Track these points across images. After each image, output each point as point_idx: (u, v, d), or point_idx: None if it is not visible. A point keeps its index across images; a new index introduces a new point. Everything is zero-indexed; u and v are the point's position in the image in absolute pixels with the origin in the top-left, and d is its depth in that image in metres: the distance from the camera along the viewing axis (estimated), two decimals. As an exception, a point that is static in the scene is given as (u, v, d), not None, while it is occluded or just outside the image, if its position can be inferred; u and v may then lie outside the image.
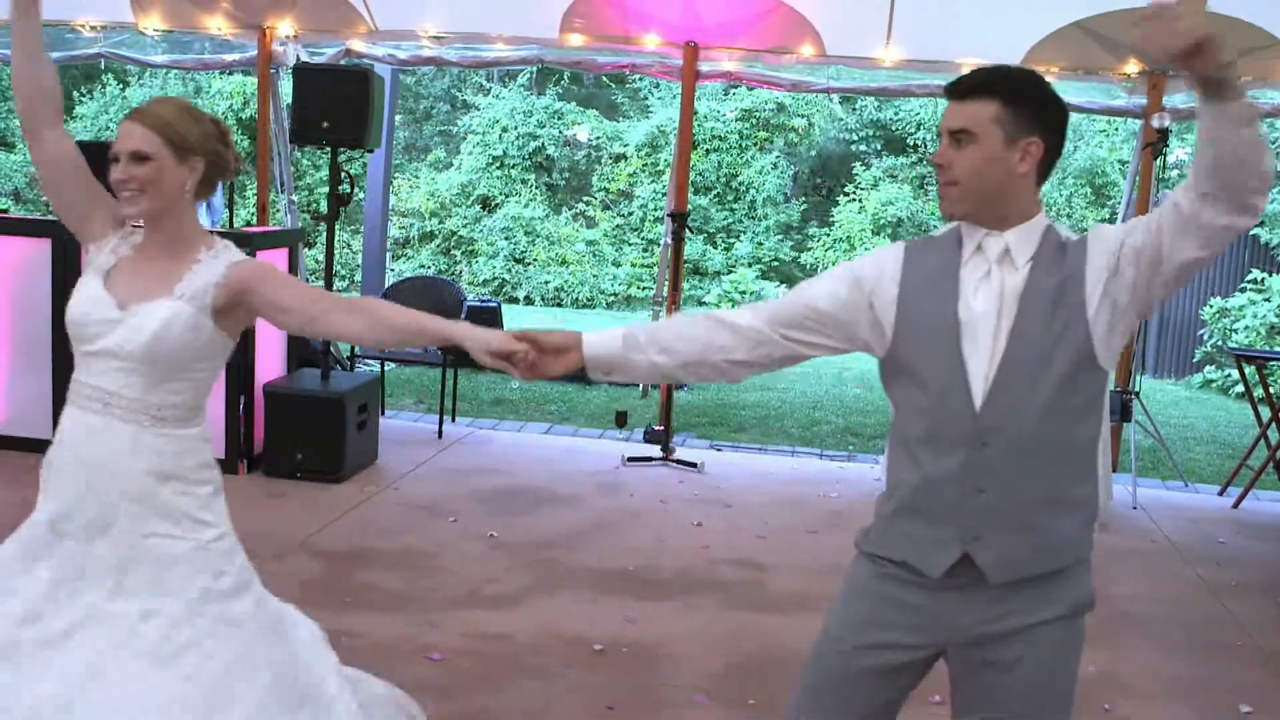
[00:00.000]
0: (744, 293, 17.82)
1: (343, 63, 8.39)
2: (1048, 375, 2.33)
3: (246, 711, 2.72)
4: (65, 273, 6.95)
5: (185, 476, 2.78)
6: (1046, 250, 2.39)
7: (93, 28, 8.98)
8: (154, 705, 2.62)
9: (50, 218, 7.79)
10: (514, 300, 18.66)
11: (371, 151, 7.69)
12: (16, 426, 7.01)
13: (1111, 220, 14.44)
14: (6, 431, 7.03)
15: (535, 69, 18.68)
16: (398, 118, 17.73)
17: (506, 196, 20.16)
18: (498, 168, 20.41)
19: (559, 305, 18.88)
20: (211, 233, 2.90)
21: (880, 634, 2.52)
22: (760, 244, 19.68)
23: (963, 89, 2.40)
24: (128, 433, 2.70)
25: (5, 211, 9.81)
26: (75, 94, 21.62)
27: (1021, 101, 2.38)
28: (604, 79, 20.12)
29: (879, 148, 20.56)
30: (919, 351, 2.45)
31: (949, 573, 2.41)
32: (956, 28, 7.72)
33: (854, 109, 20.49)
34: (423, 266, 19.19)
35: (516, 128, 20.48)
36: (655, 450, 7.71)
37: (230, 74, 18.87)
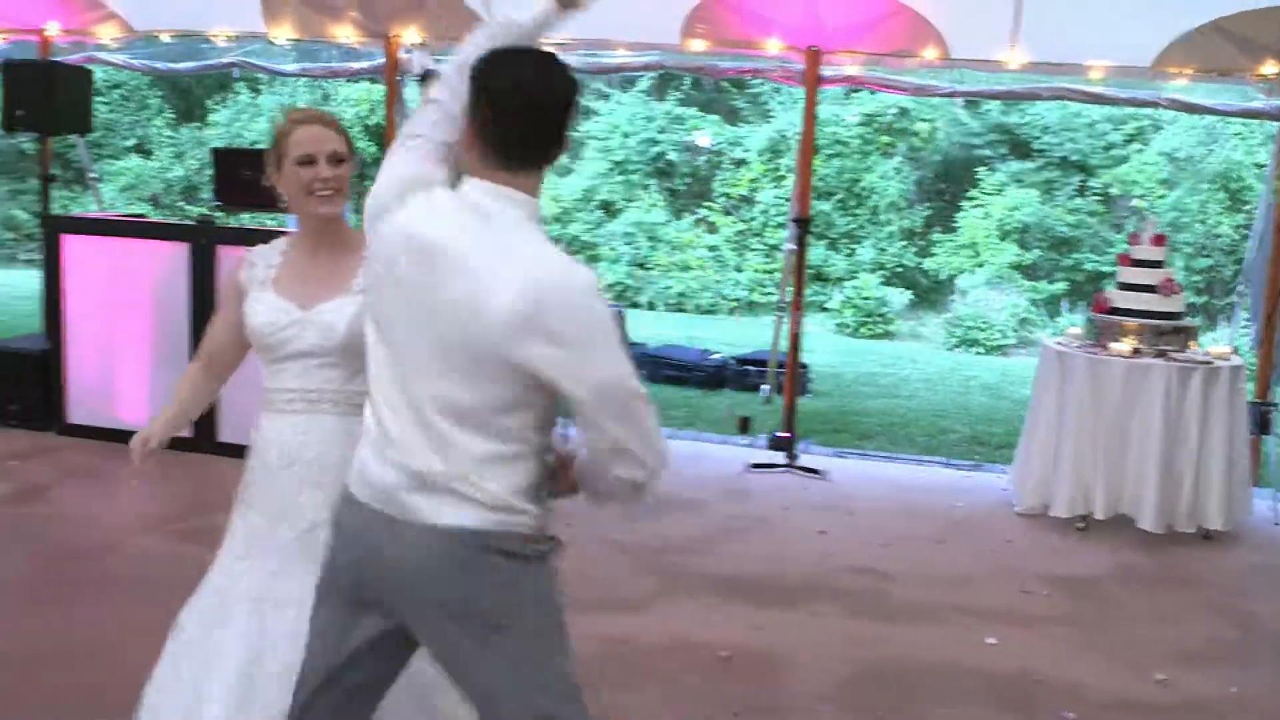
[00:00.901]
0: (867, 298, 17.66)
1: (468, 70, 8.49)
2: None
3: None
4: (203, 276, 7.17)
5: None
6: None
7: (227, 38, 9.24)
8: None
9: (189, 222, 8.04)
10: (636, 306, 18.71)
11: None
12: (156, 426, 7.23)
13: (1247, 226, 14.03)
14: (148, 431, 7.26)
15: (656, 74, 18.73)
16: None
17: (628, 202, 20.24)
18: (619, 173, 20.51)
19: (681, 311, 18.89)
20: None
21: None
22: (883, 249, 19.48)
23: None
24: (336, 424, 2.82)
25: (144, 217, 10.13)
26: (208, 102, 22.25)
27: None
28: (725, 84, 20.08)
29: (1004, 152, 20.20)
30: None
31: None
32: (1086, 29, 7.56)
33: (978, 112, 20.17)
34: (545, 272, 19.35)
35: (638, 133, 20.55)
36: (779, 457, 7.68)
37: (356, 81, 19.25)
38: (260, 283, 2.92)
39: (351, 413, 2.81)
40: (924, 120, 19.97)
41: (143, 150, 21.89)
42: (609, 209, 20.32)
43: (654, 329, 14.59)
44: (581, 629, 4.77)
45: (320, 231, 2.94)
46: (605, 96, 21.24)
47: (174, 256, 7.22)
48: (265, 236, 7.72)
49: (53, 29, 9.31)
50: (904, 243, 19.82)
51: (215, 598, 2.93)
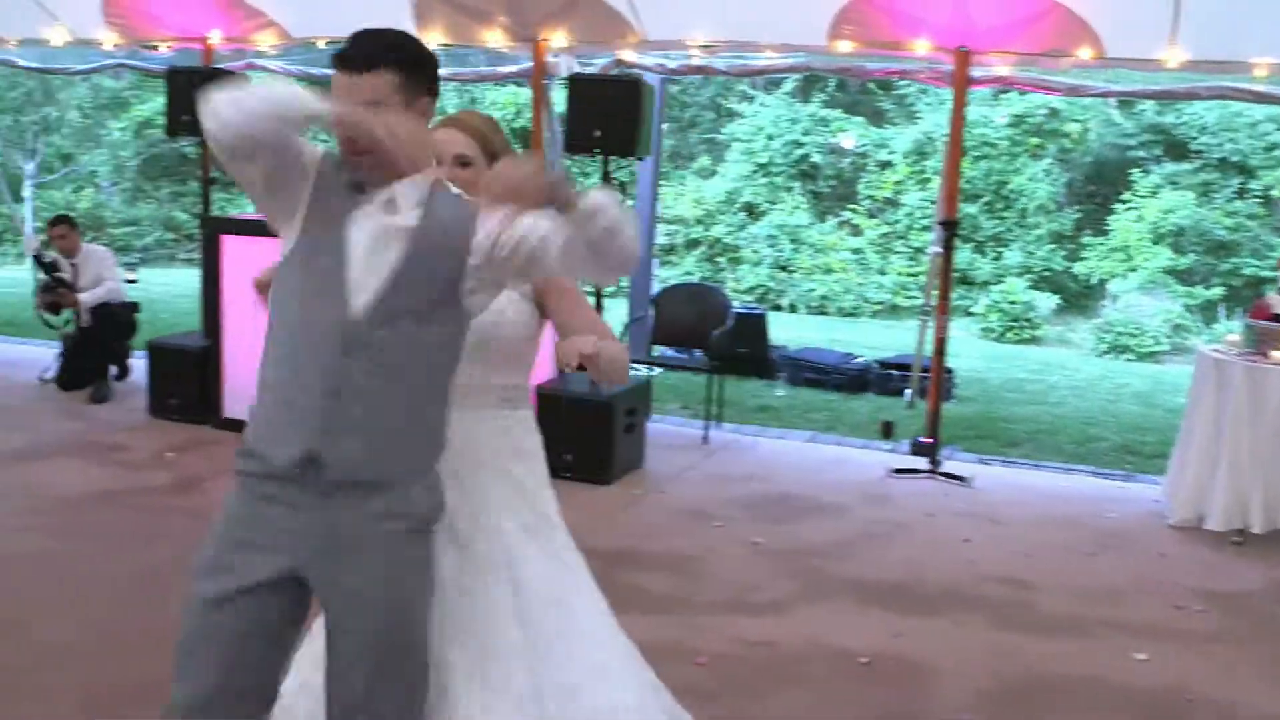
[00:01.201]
0: (1014, 302, 17.33)
1: (613, 73, 8.57)
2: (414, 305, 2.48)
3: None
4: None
5: (533, 455, 2.98)
6: (434, 199, 2.54)
7: (380, 44, 9.44)
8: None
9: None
10: (778, 308, 18.64)
11: (641, 159, 7.82)
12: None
13: None
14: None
15: (801, 76, 18.63)
16: (664, 126, 17.99)
17: (771, 204, 20.18)
18: (763, 175, 20.46)
19: (823, 314, 18.77)
20: None
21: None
22: (1031, 253, 19.08)
23: (360, 63, 2.52)
24: (479, 418, 2.86)
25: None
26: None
27: (417, 68, 2.55)
28: (870, 85, 19.88)
29: (1159, 153, 19.63)
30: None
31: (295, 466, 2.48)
32: (1249, 25, 7.30)
33: (1132, 112, 19.63)
34: (688, 273, 19.39)
35: (781, 135, 20.48)
36: (922, 462, 7.58)
37: (503, 85, 19.53)
38: None
39: (496, 406, 2.89)
40: (1075, 121, 19.51)
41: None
42: (752, 211, 20.28)
43: (796, 332, 14.52)
44: (722, 630, 4.81)
45: None
46: (749, 99, 21.19)
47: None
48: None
49: (215, 37, 9.63)
50: (1053, 246, 19.39)
51: None
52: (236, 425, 7.74)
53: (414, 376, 2.52)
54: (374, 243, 2.49)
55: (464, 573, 2.83)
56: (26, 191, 22.04)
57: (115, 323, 9.04)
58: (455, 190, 2.72)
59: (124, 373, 9.17)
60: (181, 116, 8.40)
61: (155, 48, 10.22)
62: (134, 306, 9.26)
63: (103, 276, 9.04)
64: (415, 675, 2.60)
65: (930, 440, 7.71)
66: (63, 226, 9.11)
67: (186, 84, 8.43)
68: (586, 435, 6.94)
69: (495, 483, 2.89)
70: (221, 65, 9.45)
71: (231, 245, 7.75)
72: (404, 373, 2.50)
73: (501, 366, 2.89)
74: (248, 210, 18.81)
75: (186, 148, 21.01)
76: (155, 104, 21.60)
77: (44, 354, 9.83)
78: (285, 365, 2.55)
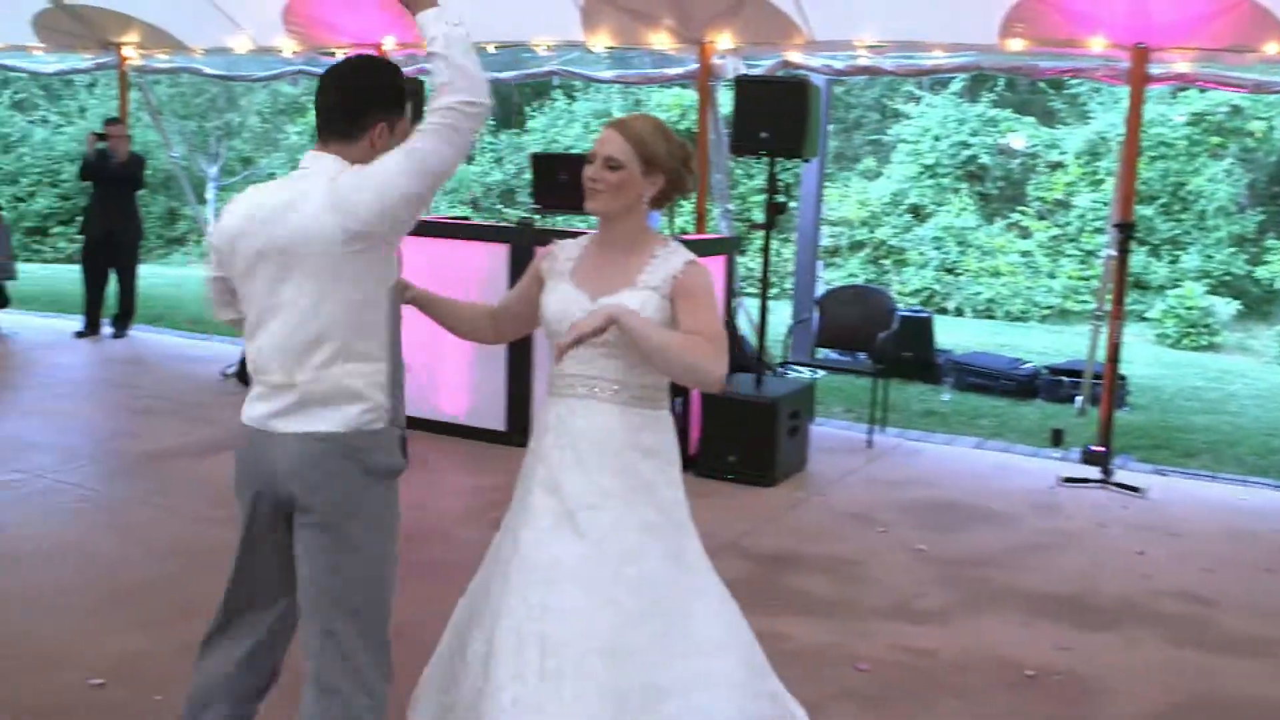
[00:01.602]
0: (1191, 308, 16.74)
1: (779, 74, 8.54)
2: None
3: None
4: (521, 276, 7.46)
5: (662, 454, 3.02)
6: None
7: (547, 47, 9.60)
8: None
9: (508, 224, 8.38)
10: (944, 311, 18.34)
11: (808, 161, 7.77)
12: (476, 418, 7.60)
13: None
14: (468, 422, 7.64)
15: (969, 75, 18.30)
16: (829, 127, 17.87)
17: (938, 205, 19.87)
18: (929, 176, 20.15)
19: (990, 317, 18.40)
20: (664, 235, 3.12)
21: None
22: (1210, 257, 18.40)
23: None
24: (610, 411, 2.95)
25: (467, 219, 10.61)
26: (526, 109, 23.13)
27: None
28: (1041, 84, 19.43)
29: (1350, 152, 18.76)
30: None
31: None
32: None
33: (1324, 109, 18.79)
34: (852, 275, 19.21)
35: (949, 135, 20.14)
36: (1093, 472, 7.37)
37: (668, 87, 19.60)
38: (559, 274, 3.08)
39: (630, 403, 2.95)
40: (1259, 119, 18.74)
41: (465, 156, 22.96)
42: (918, 213, 19.99)
43: (962, 336, 14.27)
44: (883, 637, 4.76)
45: (607, 228, 3.07)
46: (916, 99, 20.90)
47: (494, 257, 7.54)
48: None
49: (388, 43, 9.89)
50: (1233, 249, 18.66)
51: (488, 569, 3.12)
52: (409, 423, 7.96)
53: None
54: None
55: (582, 562, 2.89)
56: (209, 194, 22.94)
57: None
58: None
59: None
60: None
61: (332, 54, 10.54)
62: None
63: None
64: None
65: (1102, 449, 7.49)
66: None
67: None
68: (750, 437, 6.94)
69: (620, 478, 2.95)
70: (395, 70, 9.68)
71: (404, 246, 7.92)
72: None
73: (638, 365, 2.93)
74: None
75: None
76: (331, 108, 22.26)
77: (227, 350, 10.23)
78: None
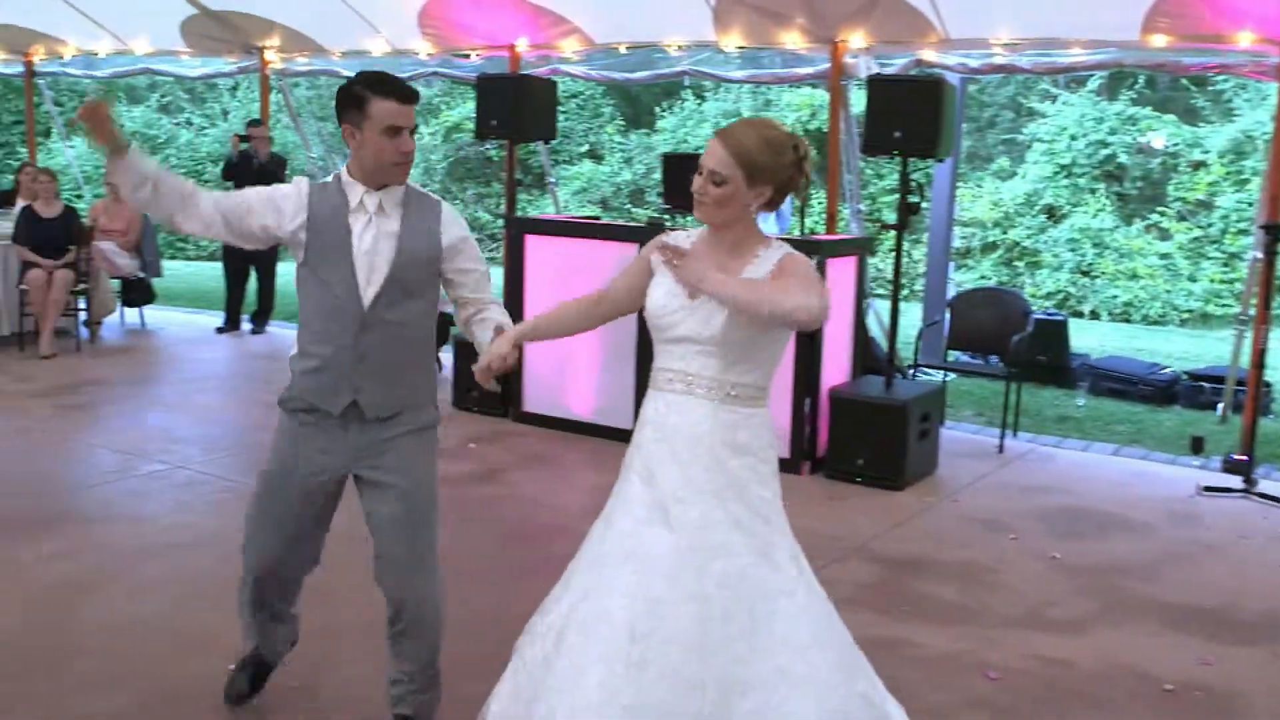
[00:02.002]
0: (1341, 312, 16.13)
1: (913, 73, 8.44)
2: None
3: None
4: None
5: (755, 453, 3.03)
6: (411, 201, 3.48)
7: (678, 47, 9.61)
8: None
9: (635, 223, 8.41)
10: (1079, 315, 17.91)
11: (941, 161, 7.67)
12: (603, 416, 7.65)
13: None
14: (596, 421, 7.69)
15: (1107, 73, 17.86)
16: (962, 126, 17.59)
17: (1073, 206, 19.40)
18: (1064, 176, 19.69)
19: (1127, 321, 17.93)
20: (768, 237, 3.13)
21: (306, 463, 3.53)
22: (1362, 259, 17.70)
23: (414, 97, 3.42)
24: (705, 408, 2.99)
25: (596, 219, 10.68)
26: (656, 109, 23.18)
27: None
28: (1183, 81, 18.87)
29: None
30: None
31: (343, 412, 3.46)
32: None
33: None
34: (984, 277, 18.88)
35: (1086, 135, 19.66)
36: (1236, 481, 7.14)
37: (798, 87, 19.49)
38: (667, 268, 3.08)
39: (725, 401, 2.99)
40: None
41: (595, 156, 23.07)
42: (1053, 214, 19.55)
43: (1098, 339, 13.94)
44: (1015, 646, 4.67)
45: (715, 230, 3.10)
46: (1052, 97, 20.46)
47: (624, 257, 7.56)
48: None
49: (522, 44, 10.00)
50: (1388, 252, 17.92)
51: (586, 559, 3.14)
52: (536, 419, 8.08)
53: (414, 336, 3.51)
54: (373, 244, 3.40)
55: (671, 553, 2.93)
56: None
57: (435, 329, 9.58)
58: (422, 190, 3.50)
59: None
60: (490, 121, 8.74)
61: (467, 56, 10.69)
62: (449, 319, 9.74)
63: None
64: (438, 533, 3.59)
65: (1245, 458, 7.25)
66: None
67: (496, 90, 8.77)
68: (879, 440, 6.87)
69: (711, 473, 2.97)
70: (527, 71, 9.79)
71: (534, 244, 8.02)
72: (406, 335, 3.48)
73: (736, 364, 2.98)
74: (547, 211, 19.44)
75: (491, 151, 21.94)
76: (463, 110, 22.56)
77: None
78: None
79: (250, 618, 3.87)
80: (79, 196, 16.27)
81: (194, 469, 6.83)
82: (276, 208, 3.44)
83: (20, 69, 13.88)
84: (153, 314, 12.36)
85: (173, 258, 20.20)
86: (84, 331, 11.06)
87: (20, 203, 11.24)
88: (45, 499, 6.30)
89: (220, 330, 11.81)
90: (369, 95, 3.30)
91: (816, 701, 2.91)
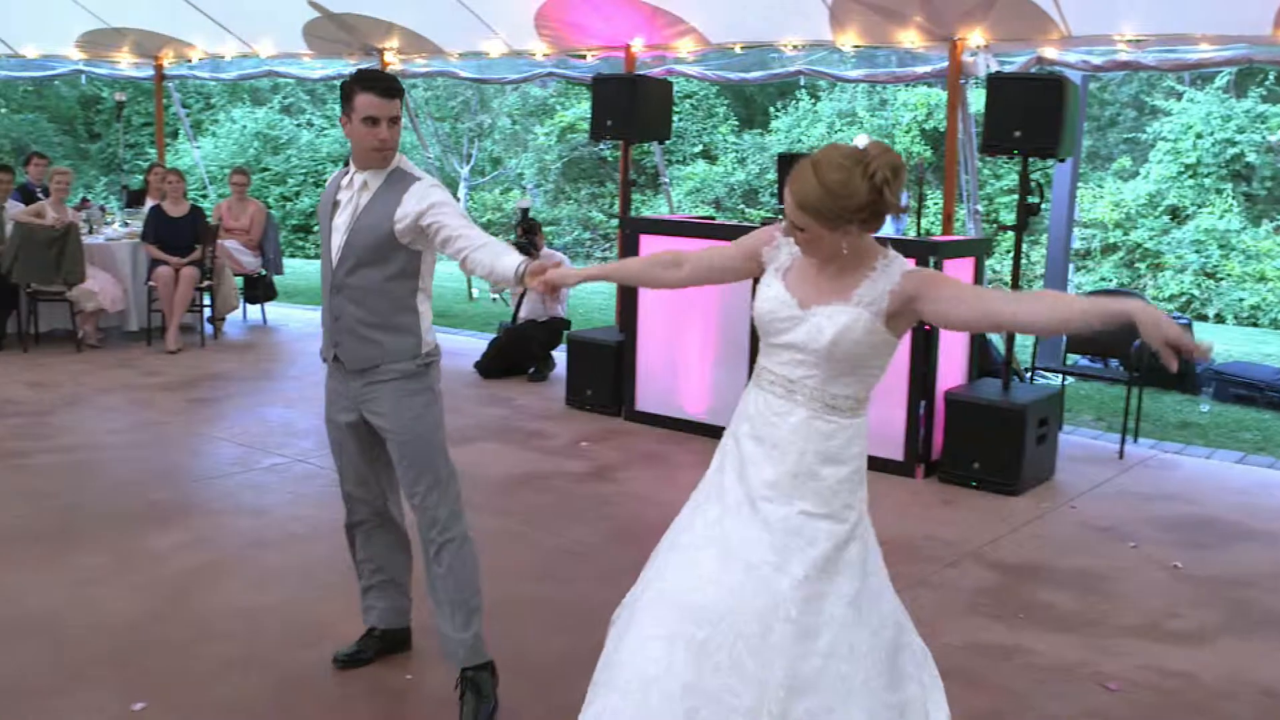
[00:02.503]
0: None
1: (1033, 70, 8.29)
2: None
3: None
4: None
5: (845, 462, 3.01)
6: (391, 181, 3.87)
7: (794, 47, 9.56)
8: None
9: (749, 224, 8.39)
10: (1203, 318, 17.50)
11: (1063, 160, 7.53)
12: (715, 417, 7.64)
13: None
14: (708, 420, 7.69)
15: (1235, 69, 17.38)
16: (1083, 125, 17.24)
17: (1198, 207, 18.95)
18: (1189, 176, 19.24)
19: (1254, 324, 17.46)
20: (883, 242, 3.05)
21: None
22: None
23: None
24: (804, 416, 2.98)
25: (711, 219, 10.67)
26: (771, 109, 23.11)
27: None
28: (1317, 78, 18.30)
29: None
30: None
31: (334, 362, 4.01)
32: None
33: None
34: (1103, 279, 18.53)
35: (1212, 133, 19.18)
36: (1369, 491, 6.91)
37: (913, 86, 19.30)
38: (777, 269, 3.09)
39: (824, 411, 2.97)
40: None
41: (708, 156, 23.08)
42: (1176, 214, 19.11)
43: (1223, 344, 13.58)
44: (1135, 656, 4.57)
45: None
46: (1177, 95, 19.98)
47: (738, 257, 7.56)
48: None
49: (637, 45, 10.02)
50: None
51: (669, 540, 3.18)
52: (648, 418, 8.10)
53: (379, 301, 3.87)
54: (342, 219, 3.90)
55: (753, 546, 2.94)
56: (461, 193, 23.74)
57: (549, 330, 9.69)
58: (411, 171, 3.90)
59: (540, 375, 9.75)
60: (605, 121, 8.78)
61: (583, 56, 10.75)
62: (565, 323, 9.88)
63: None
64: (441, 470, 3.95)
65: (1380, 467, 7.02)
66: (531, 234, 9.91)
67: (611, 91, 8.81)
68: (995, 444, 6.77)
69: (800, 478, 2.97)
70: (643, 72, 9.82)
71: (649, 245, 8.03)
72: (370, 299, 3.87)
73: (838, 378, 2.96)
74: (660, 210, 19.47)
75: (605, 151, 22.06)
76: (578, 110, 22.73)
77: (476, 344, 10.57)
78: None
79: (356, 565, 4.35)
80: (204, 196, 16.69)
81: (312, 462, 6.97)
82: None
83: (150, 72, 14.27)
84: (274, 310, 12.64)
85: (293, 255, 20.65)
86: (208, 327, 11.35)
87: (149, 202, 11.57)
88: (173, 490, 6.48)
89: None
90: (356, 89, 3.75)
91: (864, 709, 2.89)
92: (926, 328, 6.98)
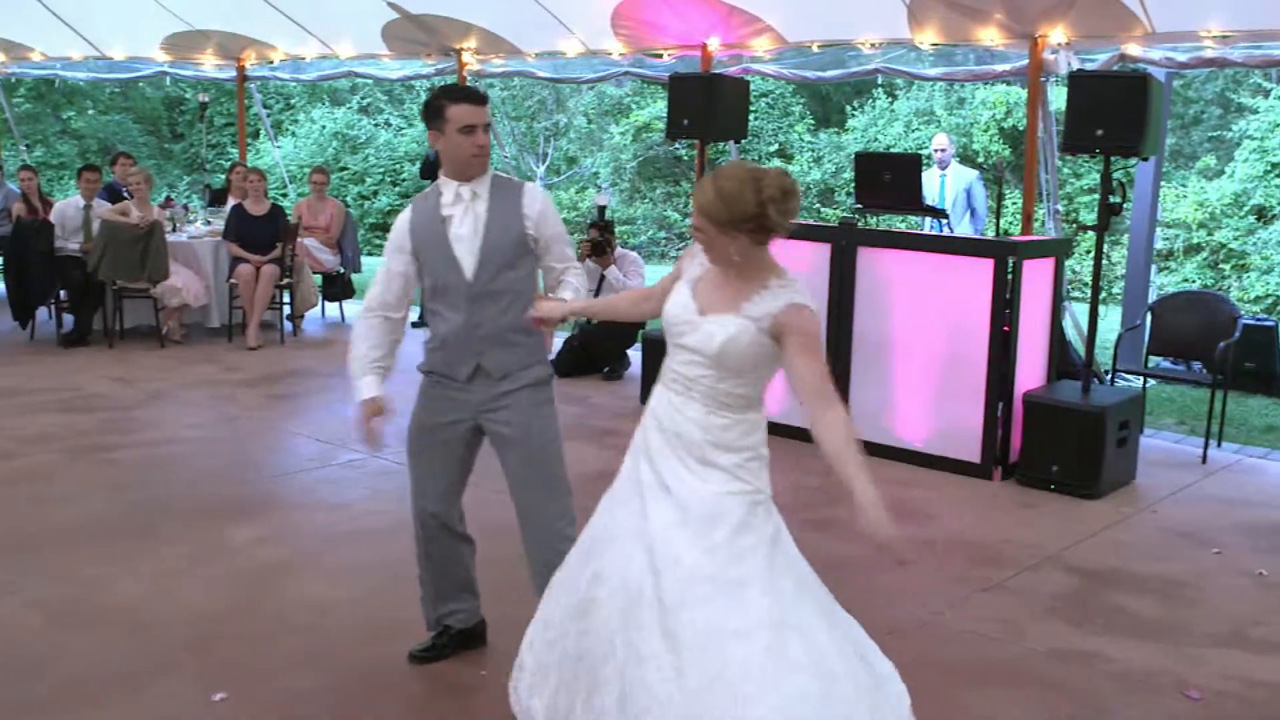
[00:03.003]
0: None
1: (1116, 68, 8.17)
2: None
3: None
4: (843, 276, 7.42)
5: (739, 450, 3.30)
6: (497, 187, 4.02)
7: (871, 45, 9.49)
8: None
9: (825, 223, 8.34)
10: (1289, 321, 17.11)
11: (1146, 159, 7.41)
12: (791, 416, 7.61)
13: None
14: (783, 420, 7.65)
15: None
16: (1166, 123, 16.94)
17: (1286, 207, 18.54)
18: (1276, 175, 18.82)
19: (1343, 328, 17.04)
20: (782, 267, 3.34)
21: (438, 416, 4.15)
22: None
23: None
24: (700, 411, 3.27)
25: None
26: (848, 108, 22.97)
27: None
28: None
29: None
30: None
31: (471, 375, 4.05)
32: None
33: None
34: (1186, 280, 18.19)
35: (1301, 131, 18.76)
36: None
37: (991, 84, 19.08)
38: (690, 279, 3.38)
39: (717, 407, 3.27)
40: None
41: (784, 155, 22.98)
42: (1263, 214, 18.70)
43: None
44: (1218, 665, 4.49)
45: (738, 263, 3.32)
46: (1264, 92, 19.57)
47: (815, 256, 7.53)
48: (903, 239, 7.87)
49: (713, 44, 10.01)
50: None
51: (591, 531, 3.54)
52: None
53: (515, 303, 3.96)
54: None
55: (681, 524, 3.22)
56: (537, 192, 23.81)
57: (624, 330, 9.73)
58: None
59: (615, 374, 9.79)
60: (681, 120, 8.78)
61: (659, 55, 10.76)
62: (640, 323, 9.90)
63: (628, 281, 9.75)
64: (565, 478, 4.13)
65: None
66: (605, 233, 9.99)
67: (687, 90, 8.80)
68: (1075, 447, 6.68)
69: (702, 465, 3.26)
70: (719, 70, 9.80)
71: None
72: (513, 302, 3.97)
73: (729, 378, 3.25)
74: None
75: (680, 150, 22.06)
76: (653, 109, 22.73)
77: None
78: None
79: (422, 571, 4.39)
80: (284, 195, 16.92)
81: (388, 459, 7.04)
82: (398, 248, 4.11)
83: (232, 73, 14.49)
84: (352, 308, 12.78)
85: (371, 254, 20.87)
86: (288, 324, 11.50)
87: (231, 201, 11.75)
88: (252, 484, 6.59)
89: (415, 325, 12.14)
90: (446, 103, 3.89)
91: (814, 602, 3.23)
92: (1005, 329, 6.91)
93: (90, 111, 26.44)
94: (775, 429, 7.55)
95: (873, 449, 7.49)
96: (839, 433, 3.13)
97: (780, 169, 3.26)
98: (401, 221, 4.11)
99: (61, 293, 10.81)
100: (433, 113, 3.93)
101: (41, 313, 10.97)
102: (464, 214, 3.98)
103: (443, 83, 11.65)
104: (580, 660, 3.30)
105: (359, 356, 4.30)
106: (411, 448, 4.28)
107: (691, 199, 3.45)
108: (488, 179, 4.03)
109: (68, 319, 10.84)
